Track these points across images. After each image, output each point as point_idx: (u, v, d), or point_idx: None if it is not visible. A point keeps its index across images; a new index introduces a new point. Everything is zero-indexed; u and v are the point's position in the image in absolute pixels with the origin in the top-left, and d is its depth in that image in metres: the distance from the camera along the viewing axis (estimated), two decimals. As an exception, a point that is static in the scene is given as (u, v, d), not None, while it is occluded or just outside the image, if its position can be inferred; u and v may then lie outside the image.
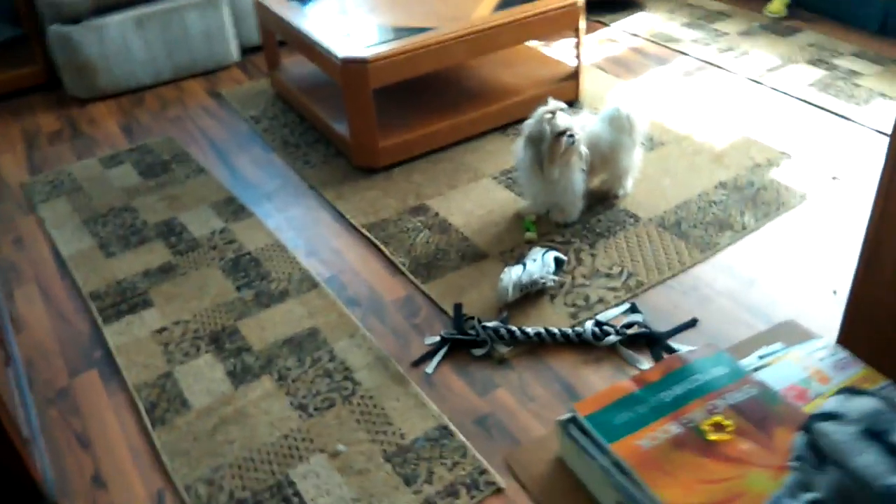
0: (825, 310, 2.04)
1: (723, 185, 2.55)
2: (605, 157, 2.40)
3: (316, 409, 1.87)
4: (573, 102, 3.09)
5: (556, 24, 2.90)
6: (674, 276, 2.20)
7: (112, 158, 3.03)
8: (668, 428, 1.31)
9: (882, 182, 1.20)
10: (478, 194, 2.62)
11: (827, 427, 0.98)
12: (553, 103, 2.31)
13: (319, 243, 2.47)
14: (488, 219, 2.50)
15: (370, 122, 2.69)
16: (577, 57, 3.02)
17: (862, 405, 0.99)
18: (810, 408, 1.07)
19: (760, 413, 1.14)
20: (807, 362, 1.17)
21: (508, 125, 2.99)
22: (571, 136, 2.24)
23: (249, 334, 2.11)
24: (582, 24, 2.95)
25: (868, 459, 0.93)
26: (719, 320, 2.04)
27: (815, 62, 3.28)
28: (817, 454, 0.98)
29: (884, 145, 2.69)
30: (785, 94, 3.07)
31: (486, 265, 2.30)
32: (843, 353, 1.19)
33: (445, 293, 2.20)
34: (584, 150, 2.30)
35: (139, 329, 2.17)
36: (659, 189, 2.56)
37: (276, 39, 3.33)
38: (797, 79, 3.16)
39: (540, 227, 2.43)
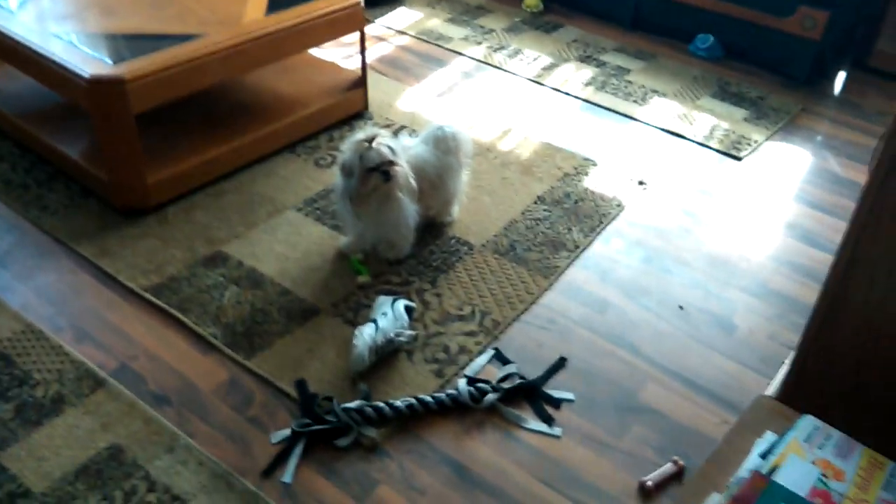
0: (678, 326, 2.00)
1: (541, 199, 2.43)
2: (433, 183, 2.14)
3: (149, 567, 1.40)
4: (363, 113, 2.78)
5: (339, 27, 2.55)
6: (526, 309, 2.02)
7: None
8: None
9: (852, 229, 1.10)
10: (285, 232, 2.22)
11: None
12: (371, 130, 1.99)
13: (91, 321, 1.90)
14: (307, 263, 2.11)
15: (134, 155, 2.14)
16: (363, 62, 2.71)
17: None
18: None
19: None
20: (810, 454, 1.04)
21: (298, 143, 2.59)
22: (386, 171, 1.94)
23: (22, 470, 1.54)
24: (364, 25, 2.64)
25: None
26: (586, 354, 1.91)
27: (584, 59, 3.31)
28: None
29: (673, 144, 2.78)
30: (567, 94, 3.05)
31: (321, 323, 1.93)
32: (834, 434, 1.08)
33: (280, 368, 1.80)
34: (412, 181, 2.02)
35: None
36: (482, 209, 2.37)
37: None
38: (573, 78, 3.16)
39: (370, 265, 2.11)
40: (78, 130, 2.40)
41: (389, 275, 2.09)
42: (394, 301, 1.90)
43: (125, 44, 2.21)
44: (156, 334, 1.87)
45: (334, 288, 2.03)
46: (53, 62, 2.10)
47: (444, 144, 2.12)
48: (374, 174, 1.93)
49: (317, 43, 2.52)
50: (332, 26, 2.51)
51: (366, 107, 2.78)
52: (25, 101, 2.54)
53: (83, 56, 2.10)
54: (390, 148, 1.94)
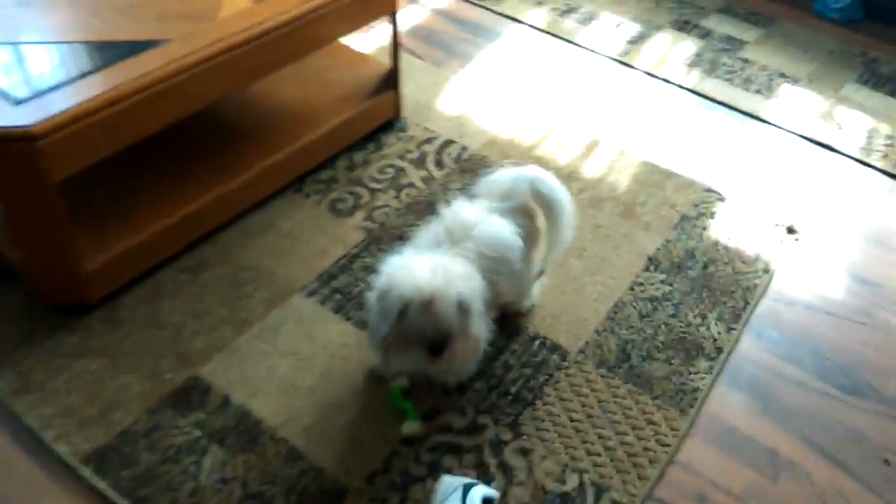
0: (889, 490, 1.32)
1: (654, 263, 1.71)
2: (511, 271, 1.40)
3: None
4: (393, 122, 2.02)
5: (365, 13, 1.77)
6: (662, 475, 1.34)
7: None
8: None
9: None
10: (291, 336, 1.51)
11: None
12: (434, 282, 1.16)
13: (0, 523, 1.24)
14: (325, 396, 1.42)
15: (60, 237, 1.42)
16: (395, 53, 1.93)
17: None
18: None
19: None
20: None
21: (305, 177, 1.86)
22: (439, 347, 1.21)
23: None
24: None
25: None
26: (762, 564, 1.24)
27: (681, 26, 2.51)
28: None
29: (819, 160, 2.02)
30: (667, 81, 2.27)
31: (351, 518, 1.26)
32: None
33: None
34: (480, 348, 1.29)
35: None
36: (572, 284, 1.65)
37: None
38: (671, 55, 2.37)
39: (417, 398, 1.41)
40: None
41: (449, 414, 1.40)
42: (465, 492, 1.22)
43: (38, 63, 1.46)
44: (98, 549, 1.21)
45: (367, 444, 1.34)
46: (-73, 98, 1.36)
47: (528, 220, 1.38)
48: (416, 340, 1.21)
49: (330, 39, 1.75)
50: (354, 13, 1.73)
51: (397, 115, 2.02)
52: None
53: (-27, 88, 1.36)
54: (462, 306, 1.19)
